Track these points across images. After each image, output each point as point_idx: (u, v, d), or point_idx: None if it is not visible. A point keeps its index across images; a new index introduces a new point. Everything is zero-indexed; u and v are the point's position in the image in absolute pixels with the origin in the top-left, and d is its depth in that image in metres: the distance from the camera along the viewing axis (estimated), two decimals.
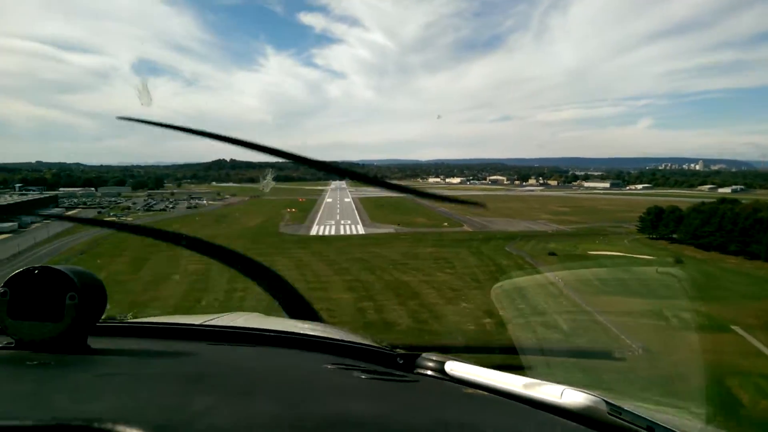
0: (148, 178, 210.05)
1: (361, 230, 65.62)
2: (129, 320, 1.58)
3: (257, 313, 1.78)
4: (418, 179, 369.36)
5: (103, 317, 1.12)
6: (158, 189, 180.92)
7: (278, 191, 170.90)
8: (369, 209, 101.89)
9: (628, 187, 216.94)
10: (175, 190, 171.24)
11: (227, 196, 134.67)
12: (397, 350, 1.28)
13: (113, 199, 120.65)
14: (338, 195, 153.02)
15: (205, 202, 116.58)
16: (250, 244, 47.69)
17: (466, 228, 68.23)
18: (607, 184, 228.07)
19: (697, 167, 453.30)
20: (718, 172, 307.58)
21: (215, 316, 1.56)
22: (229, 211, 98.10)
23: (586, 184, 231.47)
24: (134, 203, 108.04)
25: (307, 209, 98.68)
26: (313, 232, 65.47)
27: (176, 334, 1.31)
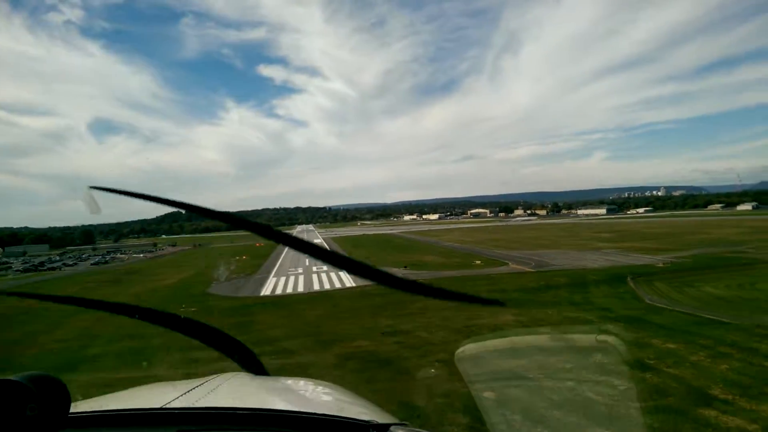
0: (75, 235, 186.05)
1: (347, 280, 39.24)
2: (98, 409, 1.35)
3: (242, 373, 1.68)
4: (392, 218, 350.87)
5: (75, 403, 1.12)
6: (87, 245, 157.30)
7: (233, 238, 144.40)
8: (350, 248, 75.47)
9: (628, 212, 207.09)
10: (108, 245, 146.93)
11: (164, 247, 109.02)
12: (371, 421, 1.33)
13: (6, 259, 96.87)
14: (305, 236, 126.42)
15: (124, 255, 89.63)
16: None
17: (516, 266, 42.67)
18: (603, 210, 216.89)
19: (660, 193, 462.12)
20: (685, 197, 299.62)
21: (197, 381, 1.47)
22: (150, 265, 70.15)
23: (580, 212, 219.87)
24: (17, 260, 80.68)
25: (264, 255, 71.64)
26: (267, 289, 38.47)
27: (148, 420, 1.24)
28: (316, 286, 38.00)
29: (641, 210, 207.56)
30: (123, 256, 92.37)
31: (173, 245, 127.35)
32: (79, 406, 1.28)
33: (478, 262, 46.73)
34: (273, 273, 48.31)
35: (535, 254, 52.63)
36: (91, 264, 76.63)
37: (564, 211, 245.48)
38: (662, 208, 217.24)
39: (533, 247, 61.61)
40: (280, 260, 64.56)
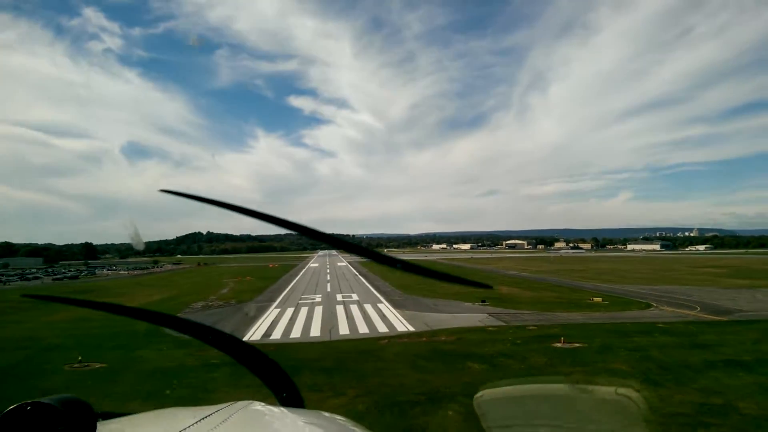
0: (76, 249, 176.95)
1: (395, 319, 23.25)
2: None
3: (255, 402, 1.69)
4: (419, 247, 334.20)
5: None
6: (91, 260, 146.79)
7: (253, 259, 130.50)
8: (386, 274, 59.05)
9: (688, 248, 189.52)
10: (107, 262, 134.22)
11: (164, 265, 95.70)
12: None
13: None
14: (327, 260, 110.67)
15: (108, 272, 76.21)
16: None
17: (675, 310, 25.70)
18: (656, 246, 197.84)
19: (693, 234, 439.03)
20: (719, 238, 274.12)
21: (213, 408, 1.49)
22: (122, 284, 55.40)
23: (630, 247, 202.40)
24: None
25: (273, 277, 56.17)
26: (260, 328, 22.61)
27: None
28: (344, 328, 21.82)
29: (701, 247, 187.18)
30: (107, 272, 78.72)
31: (177, 263, 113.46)
32: (102, 430, 1.23)
33: (597, 299, 29.70)
34: (278, 300, 32.45)
35: (666, 291, 35.40)
36: (53, 279, 63.79)
37: (609, 246, 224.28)
38: (721, 246, 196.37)
39: (640, 281, 44.18)
40: (294, 282, 49.29)
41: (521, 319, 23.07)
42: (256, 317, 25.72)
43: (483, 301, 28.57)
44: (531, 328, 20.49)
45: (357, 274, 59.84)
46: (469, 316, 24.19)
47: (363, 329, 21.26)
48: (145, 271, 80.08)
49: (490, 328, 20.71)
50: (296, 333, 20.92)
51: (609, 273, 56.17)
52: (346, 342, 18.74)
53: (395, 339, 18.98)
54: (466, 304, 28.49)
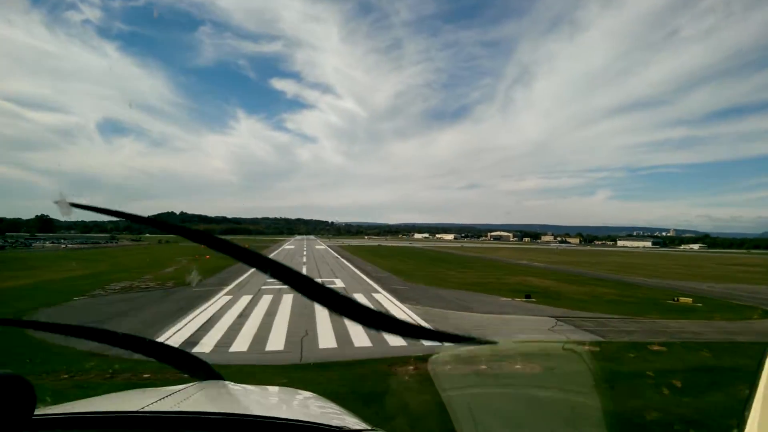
0: (31, 222, 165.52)
1: (402, 312, 14.22)
2: (64, 411, 1.24)
3: (221, 382, 1.63)
4: (400, 236, 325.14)
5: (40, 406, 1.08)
6: (45, 233, 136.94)
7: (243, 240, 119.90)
8: (373, 258, 50.37)
9: (682, 246, 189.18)
10: (60, 235, 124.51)
11: (123, 241, 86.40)
12: (344, 427, 1.29)
13: None
14: (304, 243, 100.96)
15: (46, 243, 66.77)
16: None
17: None
18: (647, 243, 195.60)
19: (670, 234, 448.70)
20: (711, 238, 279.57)
21: (176, 388, 1.41)
22: (50, 257, 45.30)
23: (621, 243, 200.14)
24: None
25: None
26: (196, 320, 13.14)
27: (118, 423, 1.19)
28: (326, 335, 12.47)
29: (695, 246, 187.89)
30: (46, 244, 67.93)
31: (137, 240, 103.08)
32: (48, 410, 1.18)
33: (686, 300, 21.16)
34: (233, 285, 23.07)
35: (742, 290, 27.35)
36: None
37: (596, 243, 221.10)
38: (714, 246, 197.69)
39: (688, 277, 36.22)
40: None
41: (614, 328, 14.29)
42: (187, 308, 16.38)
43: (527, 296, 19.81)
44: (656, 348, 11.66)
45: (338, 256, 50.63)
46: (527, 319, 15.30)
47: (359, 338, 12.10)
48: (92, 245, 69.59)
49: (587, 347, 11.79)
50: (243, 342, 11.62)
51: (637, 267, 48.30)
52: (329, 366, 9.56)
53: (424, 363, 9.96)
54: (503, 299, 19.68)
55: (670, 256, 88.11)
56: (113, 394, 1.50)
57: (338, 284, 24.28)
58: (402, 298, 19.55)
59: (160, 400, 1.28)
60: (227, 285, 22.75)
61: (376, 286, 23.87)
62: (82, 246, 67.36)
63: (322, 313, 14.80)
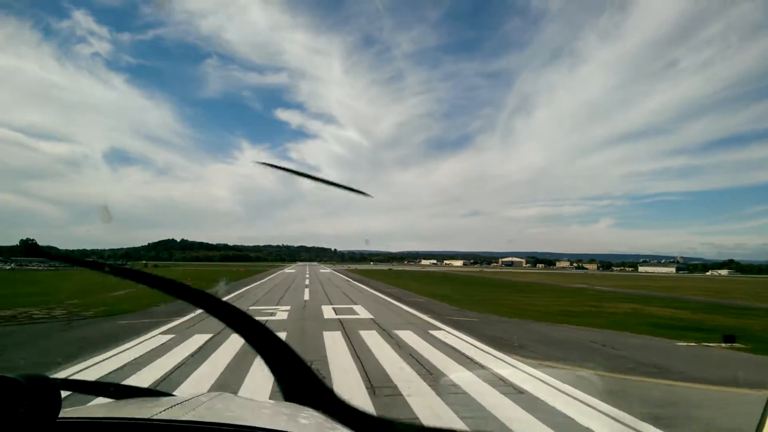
0: (18, 247, 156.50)
1: (507, 367, 5.58)
2: (87, 416, 1.27)
3: (225, 394, 1.65)
4: (405, 262, 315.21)
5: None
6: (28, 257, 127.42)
7: (223, 266, 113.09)
8: (394, 280, 41.43)
9: (709, 272, 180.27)
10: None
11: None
12: None
13: None
14: (308, 268, 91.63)
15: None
16: None
17: None
18: (672, 270, 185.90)
19: (679, 260, 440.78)
20: (737, 263, 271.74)
21: (184, 398, 1.46)
22: None
23: (642, 269, 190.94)
24: None
25: (228, 280, 37.81)
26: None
27: (131, 430, 1.21)
28: None
29: (723, 272, 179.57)
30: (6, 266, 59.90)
31: (122, 264, 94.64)
32: (67, 412, 1.17)
33: None
34: (192, 315, 14.03)
35: None
36: None
37: (614, 269, 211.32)
38: (741, 271, 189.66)
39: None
40: (253, 285, 30.35)
41: None
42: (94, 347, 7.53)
43: (729, 339, 10.77)
44: None
45: (347, 279, 41.61)
46: None
47: None
48: (45, 268, 62.10)
49: None
50: None
51: (722, 291, 38.95)
52: None
53: None
54: (681, 344, 10.66)
55: (718, 280, 78.37)
56: (130, 400, 1.48)
57: (360, 313, 15.33)
58: (484, 337, 10.67)
59: (171, 408, 1.27)
60: (170, 320, 13.86)
61: (423, 316, 14.88)
62: (31, 267, 59.13)
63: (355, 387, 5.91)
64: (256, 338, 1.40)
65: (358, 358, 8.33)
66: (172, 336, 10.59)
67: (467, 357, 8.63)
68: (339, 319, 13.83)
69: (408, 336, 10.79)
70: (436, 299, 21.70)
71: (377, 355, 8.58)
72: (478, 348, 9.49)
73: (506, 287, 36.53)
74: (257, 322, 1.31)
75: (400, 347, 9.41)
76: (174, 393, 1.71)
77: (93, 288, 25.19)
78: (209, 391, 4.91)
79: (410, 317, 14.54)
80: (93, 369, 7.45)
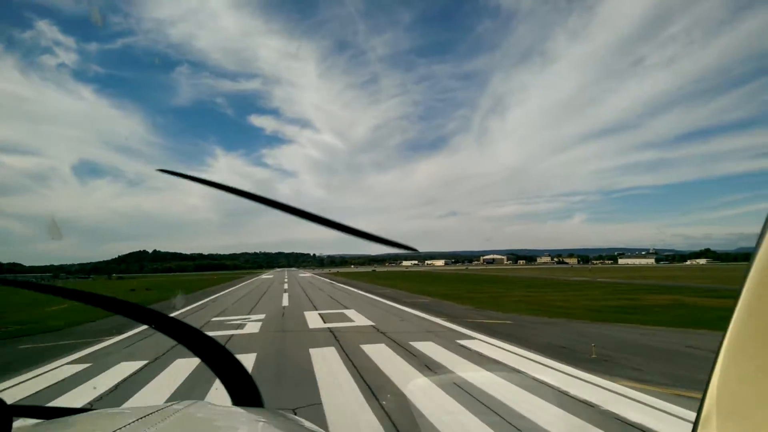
0: None
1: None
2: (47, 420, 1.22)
3: (199, 402, 1.51)
4: (386, 263, 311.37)
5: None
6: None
7: (195, 276, 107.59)
8: (383, 281, 38.43)
9: (688, 262, 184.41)
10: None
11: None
12: None
13: None
14: (286, 273, 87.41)
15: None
16: None
17: None
18: (651, 261, 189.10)
19: (652, 252, 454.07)
20: (713, 253, 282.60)
21: (153, 408, 1.29)
22: None
23: (621, 261, 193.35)
24: None
25: (196, 288, 34.00)
26: None
27: None
28: None
29: (702, 261, 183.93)
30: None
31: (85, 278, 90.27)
32: (24, 428, 1.11)
33: None
34: (129, 334, 10.43)
35: None
36: None
37: (594, 262, 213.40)
38: (718, 260, 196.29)
39: None
40: (225, 292, 26.59)
41: None
42: None
43: None
44: None
45: (331, 282, 38.13)
46: None
47: None
48: None
49: None
50: None
51: (726, 279, 37.09)
52: None
53: None
54: None
55: (711, 270, 77.93)
56: (95, 412, 1.35)
57: (356, 319, 12.00)
58: (540, 347, 7.56)
59: (137, 420, 1.12)
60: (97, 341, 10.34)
61: (436, 319, 11.67)
62: None
63: None
64: (211, 359, 1.35)
65: (375, 397, 4.97)
66: (86, 366, 7.10)
67: (544, 384, 5.40)
68: (329, 328, 10.47)
69: (433, 350, 7.52)
70: (439, 298, 18.61)
71: (406, 391, 5.23)
72: (547, 366, 6.30)
73: (507, 283, 33.71)
74: (209, 337, 1.21)
75: (434, 372, 6.10)
76: None
77: (35, 302, 21.07)
78: None
79: (422, 322, 11.27)
80: None
